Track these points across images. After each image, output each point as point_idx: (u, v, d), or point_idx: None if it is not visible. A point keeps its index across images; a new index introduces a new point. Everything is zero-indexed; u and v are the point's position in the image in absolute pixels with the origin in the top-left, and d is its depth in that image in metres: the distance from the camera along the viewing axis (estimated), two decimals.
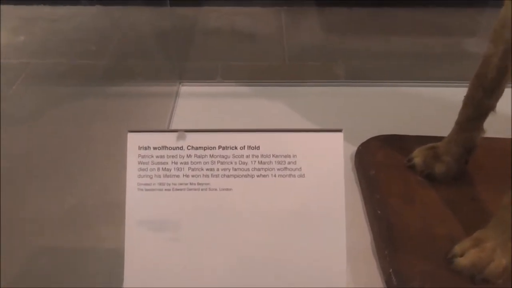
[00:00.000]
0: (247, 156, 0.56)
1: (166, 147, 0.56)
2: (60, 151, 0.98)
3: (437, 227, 0.75)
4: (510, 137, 0.85)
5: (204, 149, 0.56)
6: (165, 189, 0.56)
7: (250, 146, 0.56)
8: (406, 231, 0.75)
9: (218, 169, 0.56)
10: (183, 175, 0.56)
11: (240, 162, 0.56)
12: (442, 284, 0.68)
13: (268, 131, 0.56)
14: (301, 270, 0.56)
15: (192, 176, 0.56)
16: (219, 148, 0.56)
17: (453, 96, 0.82)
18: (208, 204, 0.56)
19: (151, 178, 0.56)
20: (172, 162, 0.56)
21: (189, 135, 0.56)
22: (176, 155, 0.56)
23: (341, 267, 0.56)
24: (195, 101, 1.12)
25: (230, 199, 0.56)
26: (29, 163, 0.96)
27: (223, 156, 0.56)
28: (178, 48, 1.36)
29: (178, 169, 0.56)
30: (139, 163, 0.56)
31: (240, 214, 0.56)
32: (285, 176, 0.56)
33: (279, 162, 0.56)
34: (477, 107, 0.77)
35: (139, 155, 0.56)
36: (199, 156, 0.56)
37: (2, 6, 1.46)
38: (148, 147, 0.56)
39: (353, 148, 0.93)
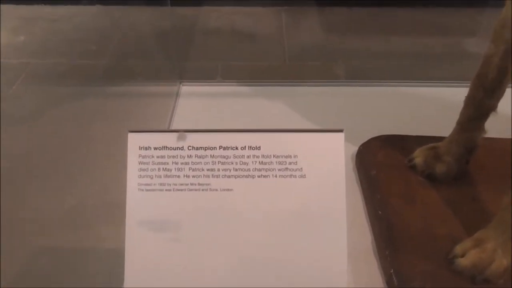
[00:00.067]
0: (248, 157, 0.56)
1: (166, 147, 0.56)
2: (60, 151, 0.98)
3: (438, 227, 0.75)
4: (510, 137, 0.85)
5: (205, 149, 0.56)
6: (166, 190, 0.56)
7: (251, 147, 0.56)
8: (407, 231, 0.75)
9: (218, 170, 0.56)
10: (184, 176, 0.56)
11: (241, 163, 0.56)
12: (443, 285, 0.68)
13: (269, 131, 0.56)
14: (302, 270, 0.56)
15: (193, 176, 0.56)
16: (219, 148, 0.56)
17: (453, 96, 0.82)
18: (209, 205, 0.56)
19: (152, 178, 0.56)
20: (172, 162, 0.56)
21: (189, 135, 0.56)
22: (177, 155, 0.56)
23: (342, 267, 0.56)
24: (195, 101, 1.12)
25: (231, 200, 0.56)
26: (29, 163, 0.95)
27: (223, 156, 0.56)
28: (179, 48, 1.36)
29: (178, 169, 0.56)
30: (139, 163, 0.56)
31: (241, 214, 0.56)
32: (286, 176, 0.56)
33: (280, 163, 0.56)
34: (478, 107, 0.77)
35: (139, 155, 0.56)
36: (199, 156, 0.56)
37: (2, 6, 1.46)
38: (149, 147, 0.56)
39: (354, 148, 0.93)
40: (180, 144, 0.56)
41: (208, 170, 0.56)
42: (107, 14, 1.55)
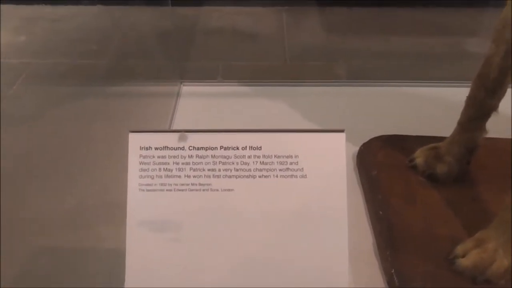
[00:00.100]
0: (249, 157, 0.56)
1: (167, 147, 0.56)
2: (61, 151, 0.98)
3: (439, 227, 0.75)
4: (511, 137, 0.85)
5: (206, 150, 0.56)
6: (167, 190, 0.56)
7: (252, 147, 0.56)
8: (408, 232, 0.75)
9: (219, 170, 0.56)
10: (185, 176, 0.56)
11: (242, 163, 0.56)
12: (444, 285, 0.68)
13: (270, 132, 0.56)
14: (303, 270, 0.56)
15: (194, 176, 0.56)
16: (220, 148, 0.56)
17: (454, 96, 0.82)
18: (210, 205, 0.56)
19: (153, 178, 0.56)
20: (173, 163, 0.56)
21: (190, 135, 0.56)
22: (178, 156, 0.56)
23: (343, 267, 0.56)
24: (196, 101, 1.12)
25: (232, 200, 0.56)
26: (30, 163, 0.95)
27: (224, 157, 0.56)
28: (179, 48, 1.36)
29: (179, 169, 0.56)
30: (140, 164, 0.56)
31: (242, 214, 0.56)
32: (287, 176, 0.56)
33: (281, 163, 0.56)
34: (479, 107, 0.77)
35: (140, 156, 0.56)
36: (200, 157, 0.56)
37: (3, 6, 1.46)
38: (150, 147, 0.56)
39: (355, 148, 0.93)
40: (181, 144, 0.56)
41: (209, 170, 0.56)
42: (108, 14, 1.55)
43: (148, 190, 0.56)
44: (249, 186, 0.56)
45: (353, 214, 0.80)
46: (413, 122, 1.00)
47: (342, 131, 0.56)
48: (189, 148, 0.56)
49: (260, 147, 0.56)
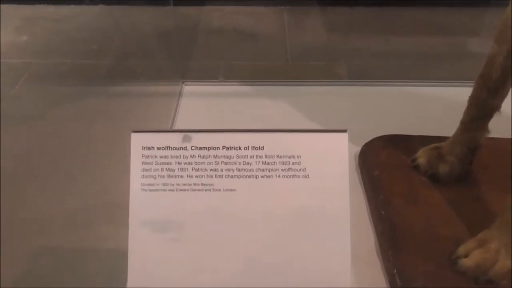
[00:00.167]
0: (251, 157, 0.56)
1: (169, 147, 0.56)
2: (61, 151, 0.98)
3: (441, 227, 0.75)
4: None
5: (208, 150, 0.56)
6: (169, 190, 0.56)
7: (254, 147, 0.56)
8: (410, 232, 0.74)
9: (222, 170, 0.56)
10: (187, 176, 0.56)
11: (244, 163, 0.55)
12: (446, 285, 0.68)
13: (272, 131, 0.56)
14: (305, 270, 0.56)
15: (196, 176, 0.56)
16: (223, 148, 0.56)
17: (457, 96, 0.82)
18: (212, 205, 0.56)
19: (155, 178, 0.56)
20: (176, 163, 0.55)
21: (192, 135, 0.56)
22: (180, 156, 0.56)
23: (345, 267, 0.56)
24: (198, 101, 1.12)
25: (234, 200, 0.56)
26: (30, 163, 0.95)
27: (227, 157, 0.56)
28: (181, 47, 1.36)
29: (181, 169, 0.56)
30: (142, 164, 0.56)
31: (244, 214, 0.56)
32: (289, 176, 0.56)
33: (283, 163, 0.56)
34: (482, 107, 0.77)
35: (142, 155, 0.56)
36: (203, 157, 0.56)
37: (4, 5, 1.46)
38: (152, 147, 0.56)
39: (357, 148, 0.93)
40: (183, 144, 0.56)
41: (211, 170, 0.56)
42: (110, 14, 1.55)
43: (150, 190, 0.56)
44: (251, 186, 0.55)
45: (355, 214, 0.80)
46: (415, 122, 1.00)
47: (344, 131, 0.56)
48: (191, 148, 0.56)
49: (262, 147, 0.56)
